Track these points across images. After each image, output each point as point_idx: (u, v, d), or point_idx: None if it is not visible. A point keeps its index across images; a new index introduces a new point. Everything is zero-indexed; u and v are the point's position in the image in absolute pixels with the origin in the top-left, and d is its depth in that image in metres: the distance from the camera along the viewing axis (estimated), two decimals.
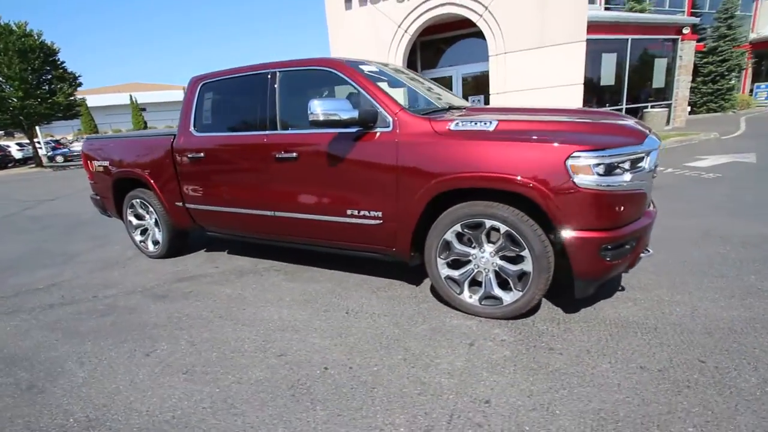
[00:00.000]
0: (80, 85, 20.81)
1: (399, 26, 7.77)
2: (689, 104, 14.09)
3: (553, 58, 6.56)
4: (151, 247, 4.07)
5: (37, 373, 2.18)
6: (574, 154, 1.95)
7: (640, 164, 2.06)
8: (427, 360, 2.04)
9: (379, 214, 2.54)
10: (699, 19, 13.19)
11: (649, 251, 2.27)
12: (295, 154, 2.75)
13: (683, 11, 17.52)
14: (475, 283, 2.43)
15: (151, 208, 3.86)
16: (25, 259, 4.43)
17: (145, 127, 34.62)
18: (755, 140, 9.41)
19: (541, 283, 2.16)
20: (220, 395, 1.89)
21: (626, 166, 2.00)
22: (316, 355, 2.15)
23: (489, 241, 2.32)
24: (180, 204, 3.60)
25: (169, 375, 2.07)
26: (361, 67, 2.73)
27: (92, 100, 36.82)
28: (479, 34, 8.51)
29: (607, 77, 11.25)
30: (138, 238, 4.13)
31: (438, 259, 2.43)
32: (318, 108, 2.34)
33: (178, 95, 39.71)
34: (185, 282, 3.35)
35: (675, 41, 12.13)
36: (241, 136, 3.06)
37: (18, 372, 2.20)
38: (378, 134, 2.45)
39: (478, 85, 8.93)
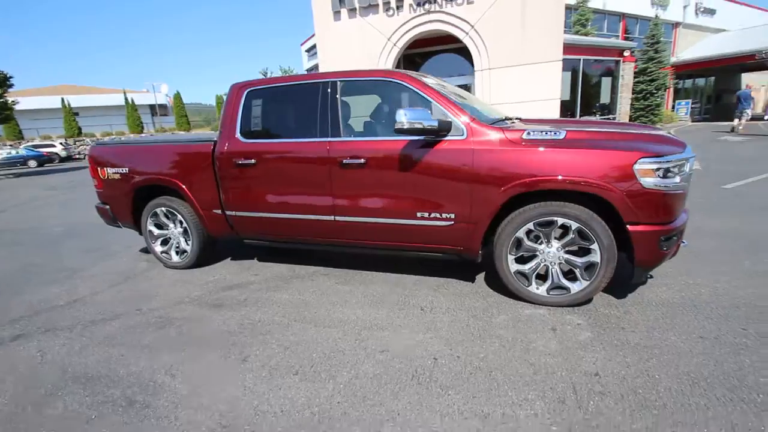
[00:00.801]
0: (11, 86, 18.63)
1: (388, 39, 8.06)
2: (628, 118, 15.87)
3: (533, 74, 7.19)
4: (175, 257, 3.89)
5: (129, 389, 2.08)
6: (641, 160, 2.30)
7: (684, 168, 2.45)
8: (523, 345, 2.25)
9: (452, 215, 2.73)
10: (635, 43, 15.03)
11: (685, 243, 2.68)
12: (363, 160, 2.86)
13: (618, 35, 19.76)
14: (537, 276, 2.70)
15: (179, 217, 3.71)
16: (18, 277, 4.00)
17: (80, 134, 31.65)
18: None
19: (608, 272, 2.48)
20: (347, 390, 1.95)
21: (676, 170, 2.39)
22: (418, 349, 2.27)
23: (555, 237, 2.60)
24: (218, 212, 3.51)
25: (281, 377, 2.09)
26: (425, 79, 2.93)
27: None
28: (461, 50, 9.06)
29: (565, 93, 12.39)
30: (158, 248, 3.93)
31: (509, 255, 2.67)
32: (404, 117, 2.50)
33: (115, 99, 36.84)
34: (233, 290, 3.28)
35: (618, 62, 13.68)
36: (301, 143, 3.10)
37: (105, 390, 2.08)
38: (451, 141, 2.65)
39: None
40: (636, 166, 2.30)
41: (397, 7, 7.84)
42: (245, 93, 3.33)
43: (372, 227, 2.99)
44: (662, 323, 2.39)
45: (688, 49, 22.14)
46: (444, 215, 2.75)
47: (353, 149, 2.90)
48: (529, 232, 2.60)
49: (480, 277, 3.22)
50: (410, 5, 7.74)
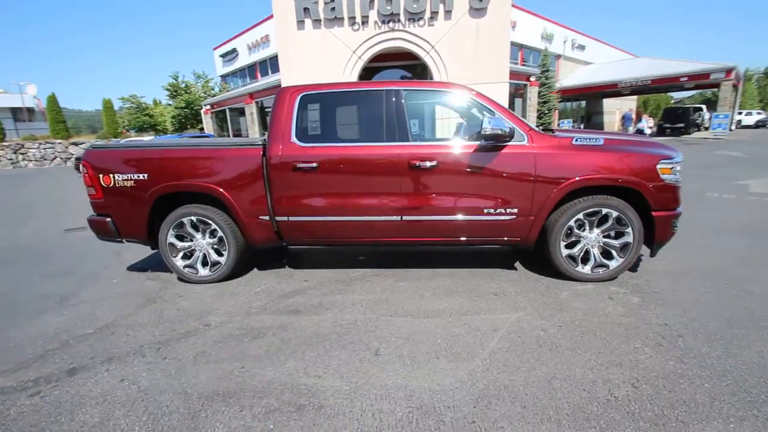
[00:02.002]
0: None
1: (353, 52, 8.27)
2: None
3: (484, 92, 8.13)
4: (202, 270, 3.57)
5: (284, 396, 2.00)
6: (661, 161, 3.01)
7: (679, 168, 3.26)
8: (599, 311, 2.74)
9: (515, 210, 3.14)
10: (537, 70, 17.76)
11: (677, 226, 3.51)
12: (434, 163, 3.11)
13: (517, 62, 22.97)
14: (582, 258, 3.27)
15: (213, 226, 3.45)
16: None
17: None
18: None
19: (638, 250, 3.14)
20: (495, 362, 2.19)
21: (678, 168, 3.17)
22: (522, 324, 2.60)
23: (595, 225, 3.20)
24: (265, 218, 3.38)
25: (426, 362, 2.23)
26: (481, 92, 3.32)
27: None
28: (416, 67, 9.74)
29: None
30: (180, 263, 3.57)
31: (561, 242, 3.18)
32: (488, 124, 2.86)
33: None
34: (295, 297, 3.19)
35: (526, 86, 15.98)
36: (370, 147, 3.20)
37: (258, 401, 1.97)
38: (516, 146, 3.08)
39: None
40: (658, 166, 3.01)
41: (363, 23, 8.16)
42: (299, 97, 3.31)
43: (439, 225, 3.25)
44: (677, 285, 3.12)
45: (567, 77, 26.77)
46: (508, 210, 3.15)
47: (424, 153, 3.14)
48: (577, 221, 3.15)
49: (518, 266, 3.68)
50: (375, 22, 8.13)
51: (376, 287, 3.33)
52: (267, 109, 16.45)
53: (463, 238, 3.31)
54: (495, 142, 3.06)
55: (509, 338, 2.45)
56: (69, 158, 20.73)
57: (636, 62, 26.54)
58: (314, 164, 3.21)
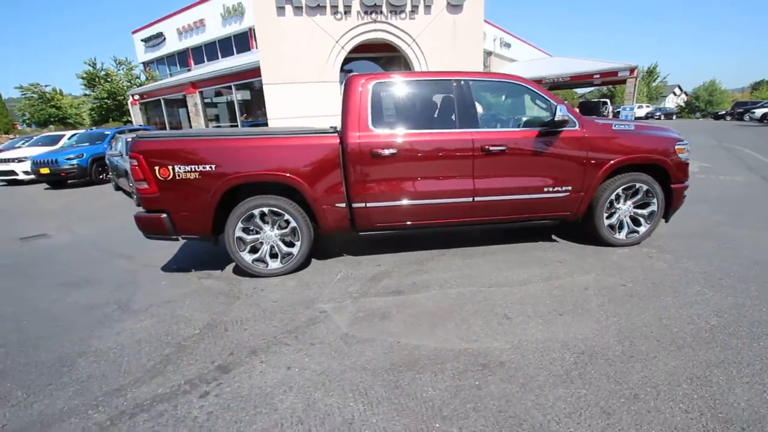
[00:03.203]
0: None
1: (337, 42, 8.15)
2: None
3: None
4: (272, 263, 3.48)
5: (463, 359, 2.18)
6: (678, 142, 3.69)
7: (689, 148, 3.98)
8: (649, 268, 3.31)
9: (569, 188, 3.60)
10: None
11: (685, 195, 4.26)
12: (503, 147, 3.42)
13: None
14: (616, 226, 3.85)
15: (286, 216, 3.38)
16: (39, 320, 2.83)
17: None
18: None
19: (660, 217, 3.80)
20: (607, 312, 2.60)
21: (689, 148, 3.87)
22: (601, 282, 3.06)
23: (629, 197, 3.79)
24: (341, 205, 3.42)
25: (554, 318, 2.56)
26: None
27: None
28: (394, 59, 9.92)
29: None
30: (248, 257, 3.44)
31: (604, 213, 3.73)
32: (560, 112, 3.25)
33: None
34: (384, 280, 3.30)
35: None
36: (446, 133, 3.40)
37: (446, 365, 2.12)
38: (570, 132, 3.52)
39: None
40: (676, 146, 3.68)
41: (345, 12, 8.08)
42: (371, 85, 3.38)
43: (506, 204, 3.58)
44: (688, 243, 3.85)
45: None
46: (564, 188, 3.59)
47: (495, 138, 3.43)
48: (615, 195, 3.72)
49: (557, 237, 4.19)
50: (358, 12, 8.11)
51: (450, 265, 3.57)
52: (216, 101, 15.35)
53: (526, 216, 3.70)
54: (555, 128, 3.47)
55: (602, 294, 2.88)
56: None
57: (554, 60, 29.58)
58: (393, 150, 3.33)
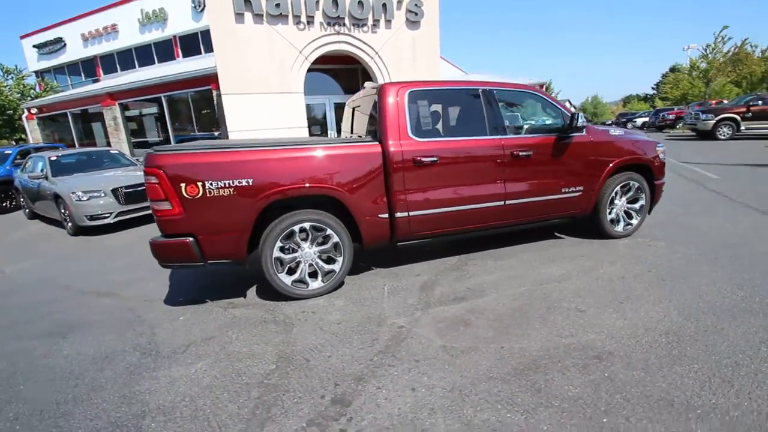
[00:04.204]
0: None
1: (300, 52, 7.83)
2: None
3: None
4: (313, 283, 3.21)
5: (575, 354, 2.23)
6: (658, 144, 4.28)
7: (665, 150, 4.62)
8: (656, 253, 3.75)
9: (581, 188, 3.93)
10: None
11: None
12: (529, 153, 3.63)
13: None
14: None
15: (328, 231, 3.15)
16: (91, 365, 2.22)
17: None
18: None
19: (647, 210, 4.34)
20: (674, 296, 2.88)
21: (665, 150, 4.49)
22: (634, 271, 3.38)
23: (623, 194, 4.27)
24: (384, 216, 3.30)
25: (627, 305, 2.76)
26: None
27: None
28: (353, 72, 9.90)
29: None
30: (288, 279, 3.12)
31: (607, 209, 4.14)
32: (581, 119, 3.56)
33: None
34: (437, 288, 3.24)
35: None
36: (479, 140, 3.48)
37: (566, 361, 2.14)
38: (580, 137, 3.86)
39: None
40: (657, 148, 4.26)
41: (308, 23, 7.84)
42: (407, 94, 3.35)
43: (531, 206, 3.78)
44: (671, 231, 4.44)
45: None
46: (577, 188, 3.92)
47: (521, 144, 3.63)
48: (615, 192, 4.16)
49: (559, 234, 4.53)
50: (321, 23, 7.93)
51: (487, 268, 3.64)
52: (143, 113, 13.69)
53: (547, 215, 3.94)
54: (570, 134, 3.79)
55: (639, 280, 3.18)
56: None
57: (470, 78, 32.21)
58: (434, 158, 3.33)
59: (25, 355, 2.64)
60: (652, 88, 54.95)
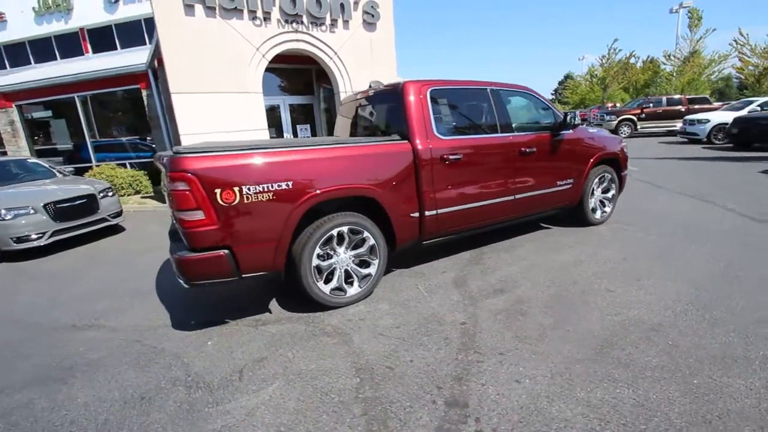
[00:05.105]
0: None
1: (257, 50, 7.26)
2: None
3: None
4: (351, 289, 3.06)
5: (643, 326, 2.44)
6: (623, 141, 4.86)
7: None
8: (643, 239, 4.26)
9: (571, 180, 4.31)
10: None
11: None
12: (534, 149, 3.88)
13: None
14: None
15: (364, 234, 3.03)
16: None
17: None
18: None
19: (617, 199, 4.91)
20: (683, 269, 3.29)
21: (626, 145, 5.11)
22: (642, 252, 3.80)
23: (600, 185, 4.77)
24: (415, 215, 3.27)
25: (653, 281, 3.09)
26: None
27: None
28: (306, 72, 9.54)
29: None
30: (326, 287, 2.94)
31: (589, 200, 4.59)
32: (577, 118, 3.92)
33: None
34: (471, 283, 3.31)
35: None
36: (493, 138, 3.63)
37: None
38: (569, 134, 4.23)
39: (306, 115, 9.82)
40: (622, 144, 4.85)
41: (264, 19, 7.32)
42: (428, 92, 3.36)
43: (534, 199, 4.04)
44: (634, 218, 5.07)
45: None
46: (568, 181, 4.29)
47: (526, 141, 3.86)
48: (594, 183, 4.63)
49: (548, 225, 4.91)
50: (278, 20, 7.47)
51: (504, 260, 3.80)
52: (48, 116, 11.62)
53: (545, 208, 4.24)
54: (561, 131, 4.13)
55: (641, 260, 3.57)
56: None
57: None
58: (459, 155, 3.39)
59: (25, 412, 2.11)
60: (552, 94, 61.73)
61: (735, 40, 20.94)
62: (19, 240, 5.16)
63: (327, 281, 2.99)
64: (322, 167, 2.79)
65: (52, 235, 5.41)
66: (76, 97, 10.78)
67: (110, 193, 6.40)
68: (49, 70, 13.20)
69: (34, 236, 5.26)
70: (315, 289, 2.88)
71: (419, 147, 3.20)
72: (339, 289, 3.02)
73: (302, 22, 7.79)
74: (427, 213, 3.33)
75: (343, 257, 3.03)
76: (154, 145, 11.11)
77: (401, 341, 2.50)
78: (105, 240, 6.05)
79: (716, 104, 17.22)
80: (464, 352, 2.32)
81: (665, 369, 2.06)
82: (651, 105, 16.82)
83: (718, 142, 12.35)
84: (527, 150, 3.83)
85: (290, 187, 2.64)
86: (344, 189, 2.86)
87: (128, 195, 9.58)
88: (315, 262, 2.85)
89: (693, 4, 22.76)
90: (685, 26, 23.36)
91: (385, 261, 3.21)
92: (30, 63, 14.44)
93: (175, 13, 6.53)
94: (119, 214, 6.48)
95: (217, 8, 6.84)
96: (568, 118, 4.03)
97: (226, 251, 2.52)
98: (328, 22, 8.08)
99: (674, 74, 23.35)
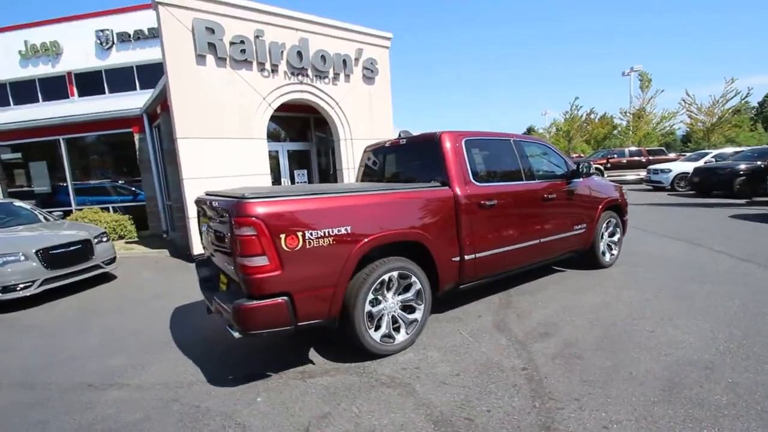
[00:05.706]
0: None
1: (264, 99, 7.44)
2: None
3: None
4: (399, 336, 2.99)
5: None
6: (623, 188, 5.24)
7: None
8: (650, 278, 4.48)
9: (585, 225, 4.56)
10: None
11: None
12: (554, 195, 4.12)
13: None
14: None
15: (412, 279, 3.03)
16: None
17: None
18: None
19: (622, 240, 5.19)
20: (702, 297, 3.45)
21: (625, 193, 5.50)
22: (653, 286, 3.97)
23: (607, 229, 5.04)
24: (456, 259, 3.33)
25: (669, 317, 3.21)
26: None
27: None
28: (305, 120, 9.81)
29: None
30: (377, 335, 2.87)
31: (601, 240, 4.83)
32: (592, 167, 4.20)
33: None
34: (510, 328, 3.31)
35: None
36: (521, 185, 3.83)
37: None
38: (581, 182, 4.54)
39: (301, 160, 9.93)
40: (622, 191, 5.22)
41: (272, 71, 7.59)
42: (464, 141, 3.56)
43: (556, 242, 4.22)
44: (636, 259, 5.33)
45: None
46: (583, 225, 4.53)
47: (547, 188, 4.10)
48: (603, 227, 4.90)
49: (557, 268, 5.07)
50: (285, 72, 7.75)
51: (534, 303, 3.87)
52: (17, 159, 11.10)
53: (563, 251, 4.41)
54: (573, 180, 4.42)
55: (660, 300, 3.73)
56: None
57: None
58: (494, 201, 3.54)
59: None
60: None
61: (683, 100, 23.65)
62: (5, 290, 4.75)
63: (377, 328, 2.92)
64: (377, 212, 2.83)
65: (42, 284, 5.01)
66: (61, 139, 10.48)
67: (105, 239, 6.09)
68: (28, 112, 12.88)
69: (21, 286, 4.85)
70: (366, 337, 2.80)
71: (459, 193, 3.33)
72: (388, 336, 2.95)
73: (307, 75, 8.15)
74: (466, 257, 3.39)
75: (391, 303, 2.99)
76: (136, 190, 10.83)
77: (467, 389, 2.43)
78: (97, 288, 5.66)
79: (672, 155, 18.98)
80: (539, 399, 2.29)
81: (737, 406, 2.11)
82: (615, 156, 18.28)
83: (680, 189, 13.46)
84: (549, 196, 4.05)
85: (349, 231, 2.65)
86: (398, 234, 2.90)
87: (112, 240, 9.09)
88: (367, 308, 2.80)
89: (643, 68, 25.67)
90: (637, 87, 26.17)
91: (430, 306, 3.20)
92: (9, 104, 14.04)
93: (186, 62, 6.69)
94: (113, 260, 6.13)
95: (228, 59, 7.07)
96: (580, 167, 4.34)
97: (286, 298, 2.44)
98: (331, 75, 8.50)
99: (630, 129, 25.73)
